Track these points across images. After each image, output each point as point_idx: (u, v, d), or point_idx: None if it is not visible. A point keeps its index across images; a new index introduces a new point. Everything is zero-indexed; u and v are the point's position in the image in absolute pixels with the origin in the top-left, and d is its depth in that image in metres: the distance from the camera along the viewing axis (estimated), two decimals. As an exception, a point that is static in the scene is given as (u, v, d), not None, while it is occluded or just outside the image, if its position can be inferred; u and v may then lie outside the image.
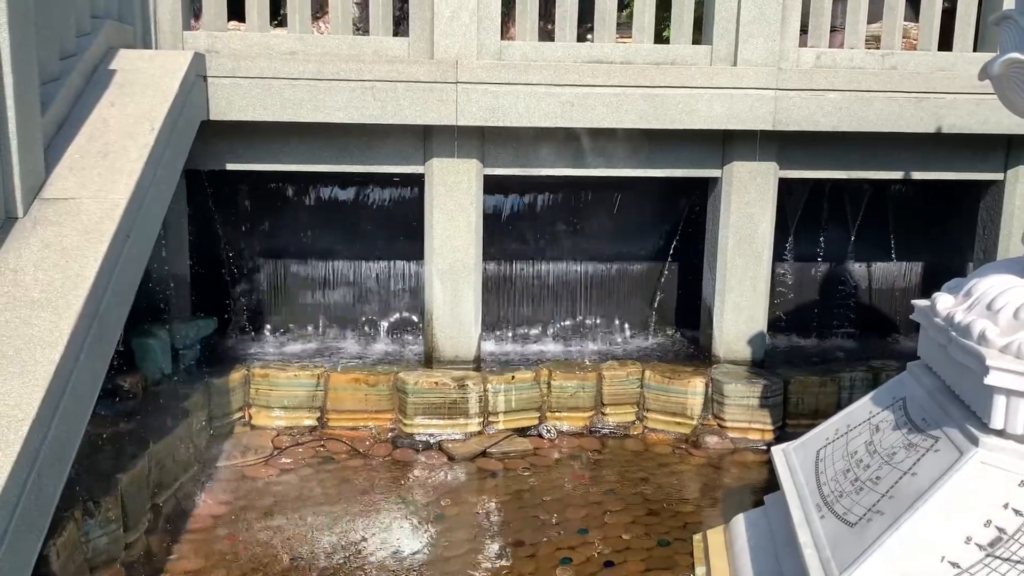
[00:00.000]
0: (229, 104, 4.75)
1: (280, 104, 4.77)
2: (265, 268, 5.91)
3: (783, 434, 5.02)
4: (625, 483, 4.64)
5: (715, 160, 5.39)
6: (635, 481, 4.67)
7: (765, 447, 4.81)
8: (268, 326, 5.94)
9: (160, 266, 4.97)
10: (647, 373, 5.31)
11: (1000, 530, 2.47)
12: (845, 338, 6.26)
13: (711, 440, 5.08)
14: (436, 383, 5.09)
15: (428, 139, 5.15)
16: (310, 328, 5.98)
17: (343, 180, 5.78)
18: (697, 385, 5.22)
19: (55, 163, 3.50)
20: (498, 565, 3.82)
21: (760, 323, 5.52)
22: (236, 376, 5.13)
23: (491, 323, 5.95)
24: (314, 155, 5.15)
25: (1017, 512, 2.48)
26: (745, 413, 5.13)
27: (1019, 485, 2.52)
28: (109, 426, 4.02)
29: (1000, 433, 2.63)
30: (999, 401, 2.62)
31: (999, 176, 5.60)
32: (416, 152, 5.19)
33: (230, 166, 5.13)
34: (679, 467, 4.88)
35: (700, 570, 3.69)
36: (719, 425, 5.17)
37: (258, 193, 5.77)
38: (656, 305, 6.18)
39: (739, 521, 3.74)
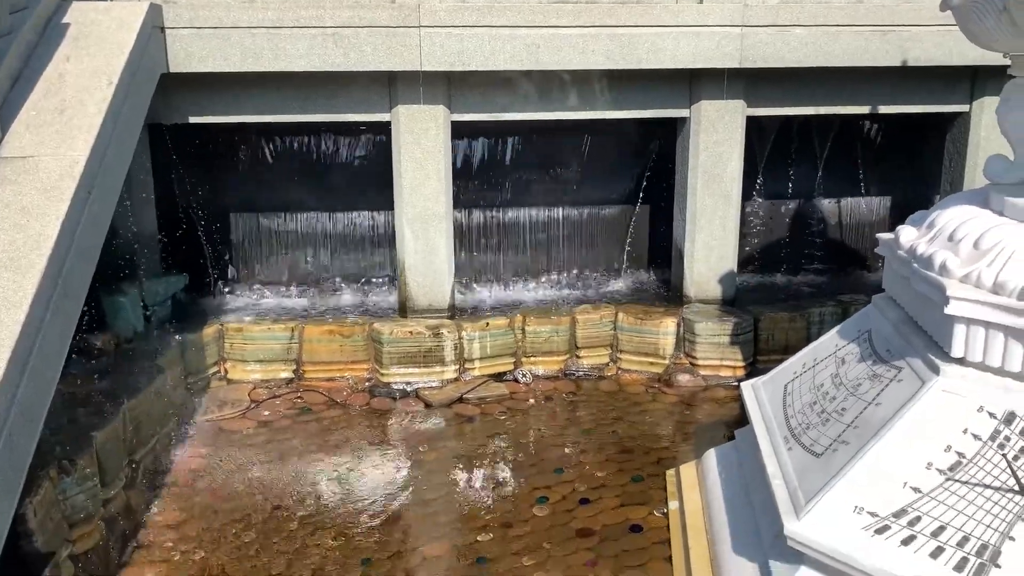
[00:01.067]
0: (188, 55, 4.66)
1: (240, 54, 4.69)
2: (235, 222, 5.85)
3: (754, 370, 5.09)
4: (600, 423, 4.71)
5: (683, 100, 5.36)
6: (609, 421, 4.74)
7: (736, 383, 4.87)
8: (240, 280, 5.91)
9: (127, 223, 4.91)
10: (620, 315, 5.35)
11: (960, 455, 2.54)
12: (815, 274, 6.32)
13: (683, 378, 5.16)
14: (411, 332, 5.10)
15: (393, 86, 5.08)
16: (282, 281, 5.95)
17: (311, 130, 5.70)
18: (669, 325, 5.27)
19: (10, 120, 3.44)
20: (476, 506, 3.89)
21: (730, 262, 5.56)
22: (210, 331, 5.12)
23: (464, 271, 5.95)
24: (277, 105, 5.07)
25: (976, 437, 2.55)
26: (716, 351, 5.20)
27: (978, 411, 2.59)
28: (82, 385, 4.01)
29: (960, 361, 2.70)
30: (959, 330, 2.67)
31: (965, 108, 5.63)
32: (382, 99, 5.13)
33: (193, 119, 5.04)
34: (652, 406, 4.95)
35: (673, 504, 3.78)
36: (691, 363, 5.24)
37: (224, 146, 5.68)
38: (628, 248, 6.20)
39: (711, 455, 3.81)
